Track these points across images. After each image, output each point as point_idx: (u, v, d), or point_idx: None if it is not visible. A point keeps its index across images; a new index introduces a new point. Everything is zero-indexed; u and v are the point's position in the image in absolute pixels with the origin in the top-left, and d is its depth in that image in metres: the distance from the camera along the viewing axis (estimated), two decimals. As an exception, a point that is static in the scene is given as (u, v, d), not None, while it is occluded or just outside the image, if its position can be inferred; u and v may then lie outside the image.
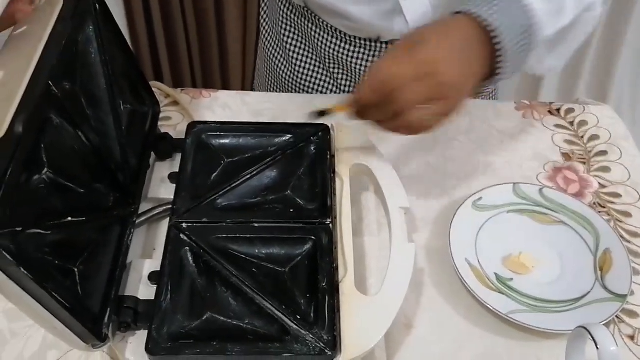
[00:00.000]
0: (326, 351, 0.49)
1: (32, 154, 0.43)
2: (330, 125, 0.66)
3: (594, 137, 0.77)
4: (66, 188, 0.48)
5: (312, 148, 0.65)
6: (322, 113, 0.59)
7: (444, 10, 0.69)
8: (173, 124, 0.75)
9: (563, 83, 1.68)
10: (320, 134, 0.65)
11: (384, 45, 0.78)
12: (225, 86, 1.78)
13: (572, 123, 0.79)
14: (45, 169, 0.45)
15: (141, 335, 0.51)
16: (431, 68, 0.50)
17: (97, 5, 0.53)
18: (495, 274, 0.61)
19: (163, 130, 0.68)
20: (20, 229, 0.40)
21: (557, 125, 0.78)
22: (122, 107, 0.59)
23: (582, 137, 0.77)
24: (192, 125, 0.66)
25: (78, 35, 0.51)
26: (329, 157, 0.63)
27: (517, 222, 0.65)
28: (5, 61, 0.42)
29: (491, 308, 0.57)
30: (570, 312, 0.58)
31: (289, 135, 0.65)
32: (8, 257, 0.38)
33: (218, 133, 0.65)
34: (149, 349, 0.49)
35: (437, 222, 0.67)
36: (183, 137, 0.65)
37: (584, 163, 0.74)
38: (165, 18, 1.58)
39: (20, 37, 0.44)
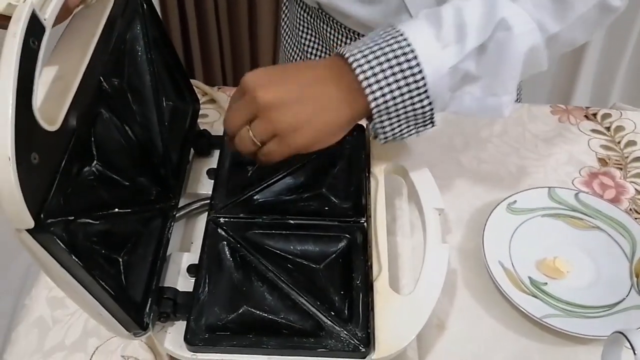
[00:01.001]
0: (360, 348, 0.50)
1: (83, 146, 0.45)
2: (365, 125, 0.67)
3: (631, 143, 0.76)
4: (113, 180, 0.49)
5: (348, 147, 0.65)
6: None
7: None
8: (210, 122, 0.77)
9: (597, 87, 1.66)
10: (355, 133, 0.66)
11: None
12: (256, 85, 1.79)
13: (608, 128, 0.78)
14: (95, 162, 0.47)
15: (179, 326, 0.52)
16: (264, 110, 0.50)
17: (145, 6, 0.55)
18: (529, 277, 0.61)
19: (201, 127, 0.70)
20: (72, 218, 0.42)
21: (594, 130, 0.78)
22: (164, 103, 0.60)
23: (619, 142, 0.77)
24: (230, 123, 0.67)
25: (127, 33, 0.53)
26: (364, 156, 0.64)
27: (552, 227, 0.65)
28: (61, 55, 0.44)
29: (525, 311, 0.57)
30: (605, 317, 0.57)
31: (325, 135, 0.66)
32: (60, 244, 0.39)
33: (255, 131, 0.67)
34: (187, 339, 0.50)
35: (470, 224, 0.67)
36: (220, 134, 0.67)
37: (621, 169, 0.73)
38: (199, 17, 1.61)
39: (74, 33, 0.46)
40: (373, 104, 0.50)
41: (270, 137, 0.51)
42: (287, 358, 0.51)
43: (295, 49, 0.89)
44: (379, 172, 0.63)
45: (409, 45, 0.49)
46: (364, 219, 0.59)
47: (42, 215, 0.37)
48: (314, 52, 0.86)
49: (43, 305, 0.60)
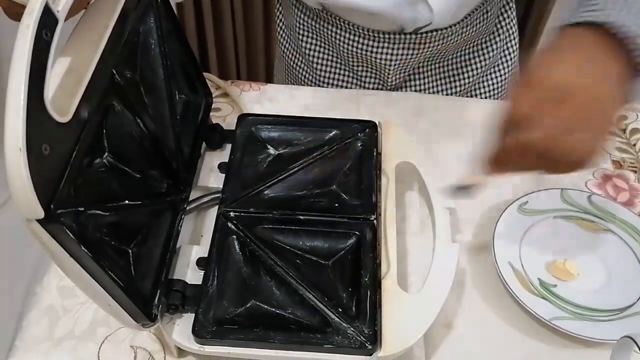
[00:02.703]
0: (367, 345, 0.50)
1: (95, 138, 0.45)
2: (377, 122, 0.67)
3: (647, 146, 0.75)
4: (124, 172, 0.50)
5: (359, 144, 0.65)
6: (463, 188, 0.54)
7: None
8: (222, 115, 0.77)
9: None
10: (367, 130, 0.66)
11: (408, 36, 0.76)
12: (269, 79, 1.80)
13: (624, 130, 0.77)
14: (106, 154, 0.47)
15: (188, 318, 0.53)
16: (565, 91, 0.45)
17: (159, -2, 0.55)
18: (539, 279, 0.60)
19: (213, 121, 0.70)
20: (82, 209, 0.42)
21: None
22: (177, 96, 0.61)
23: (634, 145, 0.75)
24: (243, 117, 0.68)
25: (140, 26, 0.53)
26: (375, 154, 0.64)
27: (563, 228, 0.64)
28: (74, 47, 0.44)
29: (533, 313, 0.56)
30: (615, 321, 0.57)
31: (337, 131, 0.66)
32: (70, 234, 0.39)
33: (267, 126, 0.67)
34: (195, 332, 0.51)
35: (480, 224, 0.67)
36: (233, 128, 0.67)
37: (635, 172, 0.72)
38: (214, 11, 1.61)
39: (87, 25, 0.46)
40: None
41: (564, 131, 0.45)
42: (293, 353, 0.51)
43: (295, 53, 0.87)
44: (390, 170, 0.63)
45: None
46: (374, 217, 0.59)
47: (52, 206, 0.37)
48: (315, 53, 0.84)
49: (54, 293, 0.61)
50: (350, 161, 0.64)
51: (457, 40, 0.78)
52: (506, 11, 0.84)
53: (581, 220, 0.65)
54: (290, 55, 0.89)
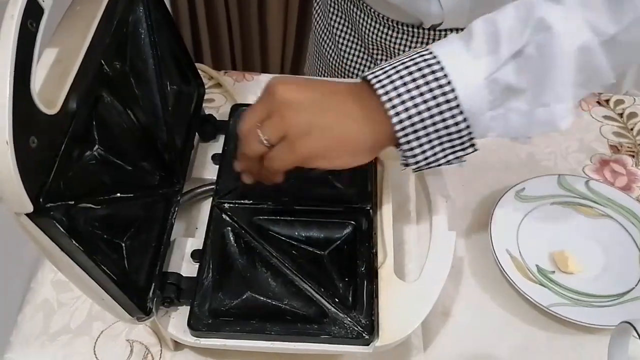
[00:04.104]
0: (364, 335, 0.50)
1: (84, 130, 0.44)
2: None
3: (644, 130, 0.75)
4: (115, 165, 0.49)
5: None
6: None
7: None
8: (216, 106, 0.76)
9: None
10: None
11: (426, 32, 0.77)
12: (265, 69, 1.79)
13: (621, 115, 0.77)
14: (97, 146, 0.46)
15: (183, 311, 0.52)
16: (279, 108, 0.47)
17: (148, -13, 0.54)
18: (537, 266, 0.60)
19: (206, 112, 0.69)
20: (72, 202, 0.41)
21: (606, 117, 0.76)
22: (168, 87, 0.60)
23: (632, 129, 0.75)
24: (236, 108, 0.67)
25: (129, 16, 0.52)
26: (370, 142, 0.63)
27: (561, 214, 0.64)
28: (61, 38, 0.43)
29: (531, 300, 0.56)
30: (614, 307, 0.56)
31: (331, 120, 0.65)
32: (60, 228, 0.39)
33: (261, 116, 0.66)
34: (190, 324, 0.50)
35: (477, 211, 0.66)
36: (226, 118, 0.66)
37: (633, 156, 0.72)
38: (207, 1, 1.60)
39: (75, 15, 0.45)
40: (395, 120, 0.45)
41: (279, 139, 0.47)
42: (290, 344, 0.51)
43: (326, 31, 0.89)
44: (386, 158, 0.62)
45: (434, 57, 0.45)
46: (370, 206, 0.58)
47: (41, 200, 0.37)
48: (345, 35, 0.85)
49: (48, 288, 0.60)
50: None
51: None
52: None
53: (579, 206, 0.65)
54: (321, 34, 0.90)
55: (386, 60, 0.83)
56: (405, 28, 0.77)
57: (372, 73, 0.47)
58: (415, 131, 0.46)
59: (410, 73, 0.45)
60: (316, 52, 0.93)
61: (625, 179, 0.70)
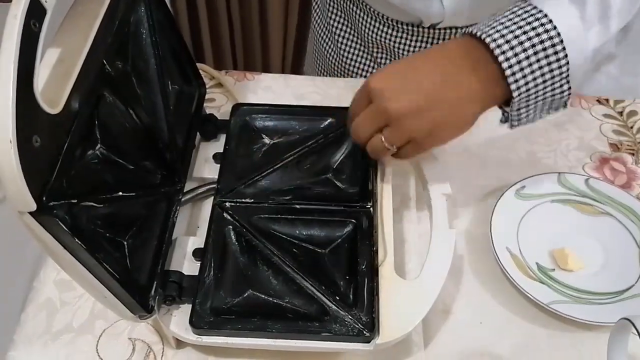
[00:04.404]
0: (364, 332, 0.50)
1: (86, 129, 0.45)
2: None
3: (644, 128, 0.75)
4: (117, 164, 0.49)
5: (355, 132, 0.65)
6: None
7: None
8: (217, 106, 0.77)
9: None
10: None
11: (426, 30, 0.77)
12: (266, 69, 1.79)
13: (621, 113, 0.77)
14: (99, 145, 0.47)
15: (185, 309, 0.53)
16: (397, 120, 0.49)
17: (149, -13, 0.54)
18: (537, 263, 0.60)
19: (208, 112, 0.69)
20: (75, 200, 0.42)
21: (606, 115, 0.76)
22: (170, 87, 0.60)
23: (632, 127, 0.75)
24: (237, 107, 0.67)
25: (130, 15, 0.52)
26: (371, 141, 0.63)
27: (561, 212, 0.64)
28: (63, 38, 0.44)
29: (531, 297, 0.56)
30: (613, 304, 0.57)
31: (332, 119, 0.66)
32: (63, 226, 0.39)
33: (262, 115, 0.66)
34: (192, 323, 0.50)
35: (478, 209, 0.66)
36: (227, 118, 0.66)
37: (633, 154, 0.72)
38: (208, 1, 1.60)
39: (77, 15, 0.46)
40: (516, 93, 0.47)
41: (405, 143, 0.50)
42: (291, 342, 0.51)
43: (325, 31, 0.89)
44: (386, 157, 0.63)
45: (554, 28, 0.45)
46: (370, 204, 0.59)
47: (44, 198, 0.37)
48: (344, 34, 0.85)
49: (51, 287, 0.61)
50: (346, 149, 0.64)
51: None
52: None
53: (579, 203, 0.65)
54: (320, 32, 0.90)
55: (386, 59, 0.83)
56: (404, 27, 0.78)
57: (490, 37, 0.46)
58: (528, 98, 0.48)
59: (533, 45, 0.45)
60: (315, 51, 0.93)
61: (625, 177, 0.70)
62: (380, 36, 0.80)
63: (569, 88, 0.48)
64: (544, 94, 0.48)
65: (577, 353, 0.56)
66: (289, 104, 0.69)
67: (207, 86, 0.69)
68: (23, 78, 0.34)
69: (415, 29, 0.77)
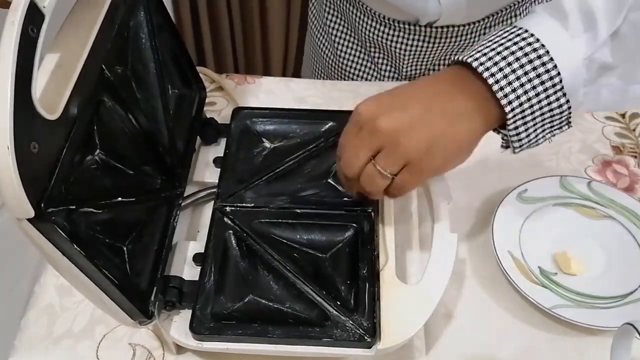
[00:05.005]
0: (365, 338, 0.50)
1: (85, 135, 0.45)
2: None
3: (647, 131, 0.75)
4: (117, 169, 0.49)
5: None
6: None
7: None
8: (218, 109, 0.76)
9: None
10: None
11: (423, 29, 0.76)
12: (267, 72, 1.79)
13: (623, 115, 0.76)
14: (98, 150, 0.47)
15: (185, 315, 0.52)
16: (390, 139, 0.46)
17: (148, -9, 0.54)
18: (539, 267, 0.60)
19: (208, 115, 0.69)
20: (74, 207, 0.42)
21: (608, 118, 0.76)
22: (170, 91, 0.60)
23: (634, 130, 0.75)
24: (237, 111, 0.67)
25: (130, 20, 0.52)
26: (372, 144, 0.63)
27: (564, 216, 0.64)
28: (62, 43, 0.44)
29: (534, 302, 0.56)
30: (616, 308, 0.56)
31: (333, 122, 0.66)
32: (62, 233, 0.39)
33: (262, 119, 0.66)
34: (193, 328, 0.50)
35: (480, 213, 0.66)
36: (228, 122, 0.66)
37: (635, 157, 0.72)
38: (210, 5, 1.60)
39: (76, 20, 0.46)
40: (508, 109, 0.45)
41: (401, 167, 0.46)
42: (292, 347, 0.51)
43: (322, 32, 0.89)
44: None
45: (537, 40, 0.44)
46: (371, 208, 0.58)
47: (42, 205, 0.37)
48: (341, 34, 0.85)
49: (52, 292, 0.60)
50: (346, 153, 0.64)
51: (476, 41, 0.78)
52: None
53: (581, 207, 0.65)
54: (317, 33, 0.90)
55: (384, 59, 0.83)
56: (401, 25, 0.77)
57: (474, 59, 0.45)
58: (524, 115, 0.46)
59: (517, 59, 0.44)
60: (313, 53, 0.93)
61: (627, 180, 0.69)
62: (378, 35, 0.80)
63: (568, 102, 0.46)
64: (541, 109, 0.46)
65: (580, 358, 0.55)
66: (290, 107, 0.69)
67: (207, 90, 0.68)
68: (21, 84, 0.34)
69: (412, 27, 0.77)
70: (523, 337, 0.57)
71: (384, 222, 0.58)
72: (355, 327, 0.50)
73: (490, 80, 0.44)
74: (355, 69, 0.86)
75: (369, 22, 0.79)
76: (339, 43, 0.86)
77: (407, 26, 0.77)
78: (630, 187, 0.69)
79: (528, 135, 0.47)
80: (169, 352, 0.56)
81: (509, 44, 0.45)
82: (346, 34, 0.85)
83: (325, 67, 0.90)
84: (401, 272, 0.58)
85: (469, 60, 0.45)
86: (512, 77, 0.44)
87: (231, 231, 0.57)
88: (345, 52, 0.86)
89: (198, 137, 0.66)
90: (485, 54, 0.45)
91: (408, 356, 0.55)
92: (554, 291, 0.58)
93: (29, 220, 0.37)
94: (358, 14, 0.80)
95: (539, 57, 0.44)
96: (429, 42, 0.78)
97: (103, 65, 0.47)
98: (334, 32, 0.86)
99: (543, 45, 0.44)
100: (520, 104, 0.45)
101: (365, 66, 0.85)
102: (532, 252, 0.60)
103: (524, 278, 0.58)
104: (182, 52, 0.62)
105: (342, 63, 0.87)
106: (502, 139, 0.49)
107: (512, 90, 0.45)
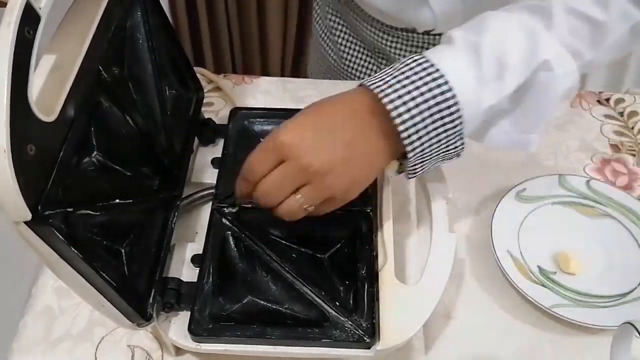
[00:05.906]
0: (365, 338, 0.49)
1: (82, 137, 0.44)
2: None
3: (645, 129, 0.75)
4: (114, 171, 0.49)
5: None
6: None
7: None
8: (215, 110, 0.76)
9: (610, 72, 1.63)
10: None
11: (421, 36, 0.77)
12: (265, 72, 1.79)
13: (622, 113, 0.76)
14: (95, 152, 0.46)
15: (184, 316, 0.52)
16: (318, 178, 0.47)
17: (145, -8, 0.54)
18: (539, 266, 0.60)
19: (206, 116, 0.69)
20: (71, 209, 0.41)
21: (606, 116, 0.76)
22: (167, 92, 0.60)
23: (632, 128, 0.75)
24: (235, 111, 0.67)
25: (127, 21, 0.52)
26: (370, 144, 0.63)
27: (562, 215, 0.64)
28: (58, 44, 0.43)
29: (533, 301, 0.56)
30: (616, 307, 0.56)
31: (331, 122, 0.65)
32: (59, 236, 0.39)
33: (260, 119, 0.66)
34: (191, 330, 0.50)
35: (478, 213, 0.66)
36: (225, 122, 0.66)
37: (634, 155, 0.72)
38: (207, 5, 1.60)
39: (73, 21, 0.45)
40: (411, 154, 0.48)
41: (323, 200, 0.49)
42: (291, 348, 0.50)
43: (325, 31, 0.89)
44: (385, 160, 0.62)
45: (450, 90, 0.46)
46: (370, 208, 0.58)
47: (39, 207, 0.37)
48: (344, 36, 0.85)
49: (50, 294, 0.60)
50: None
51: None
52: None
53: (580, 205, 0.65)
54: (321, 33, 0.90)
55: (387, 62, 0.83)
56: (399, 32, 0.77)
57: (384, 93, 0.46)
58: (423, 155, 0.48)
59: (429, 108, 0.46)
60: (318, 56, 0.93)
61: (626, 178, 0.69)
62: (377, 40, 0.80)
63: (462, 143, 0.49)
64: (438, 150, 0.49)
65: (580, 357, 0.55)
66: (288, 107, 0.69)
67: (205, 90, 0.68)
68: (17, 86, 0.34)
69: (409, 34, 0.77)
70: (522, 336, 0.57)
71: (383, 222, 0.58)
72: (354, 328, 0.50)
73: (401, 128, 0.46)
74: (359, 71, 0.87)
75: (370, 28, 0.80)
76: (342, 44, 0.86)
77: (405, 33, 0.77)
78: (629, 186, 0.68)
79: (422, 168, 0.51)
80: (167, 354, 0.56)
81: (423, 87, 0.46)
82: (348, 34, 0.85)
83: (331, 70, 0.90)
84: (400, 272, 0.58)
85: (384, 99, 0.46)
86: (420, 125, 0.46)
87: (229, 232, 0.57)
88: (349, 54, 0.86)
89: (196, 137, 0.65)
90: (400, 96, 0.46)
91: (407, 356, 0.55)
92: (553, 290, 0.58)
93: (26, 223, 0.36)
94: (358, 19, 0.81)
95: (449, 107, 0.46)
96: (426, 49, 0.78)
97: (100, 67, 0.46)
98: (336, 32, 0.86)
99: (454, 96, 0.46)
100: (422, 149, 0.48)
101: (369, 68, 0.86)
102: (531, 251, 0.60)
103: (523, 277, 0.58)
104: (179, 53, 0.62)
105: (347, 65, 0.87)
106: (399, 166, 0.53)
107: (418, 138, 0.47)
